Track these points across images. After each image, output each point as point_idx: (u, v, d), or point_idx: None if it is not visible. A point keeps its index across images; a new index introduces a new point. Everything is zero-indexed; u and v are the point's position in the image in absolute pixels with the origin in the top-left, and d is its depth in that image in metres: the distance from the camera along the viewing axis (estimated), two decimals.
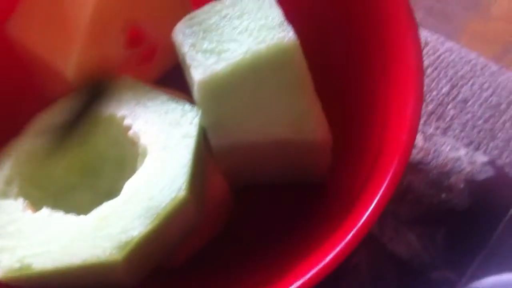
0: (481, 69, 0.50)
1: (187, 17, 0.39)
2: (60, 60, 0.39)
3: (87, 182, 0.38)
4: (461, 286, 0.40)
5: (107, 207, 0.33)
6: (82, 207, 0.35)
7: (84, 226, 0.33)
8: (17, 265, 0.32)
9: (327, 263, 0.33)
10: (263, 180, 0.41)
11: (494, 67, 0.50)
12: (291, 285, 0.33)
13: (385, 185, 0.34)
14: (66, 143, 0.38)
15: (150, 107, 0.37)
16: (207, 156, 0.38)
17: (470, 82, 0.49)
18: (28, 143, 0.38)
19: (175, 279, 0.39)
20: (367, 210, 0.34)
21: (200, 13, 0.38)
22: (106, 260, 0.31)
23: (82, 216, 0.34)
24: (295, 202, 0.42)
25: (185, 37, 0.38)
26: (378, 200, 0.34)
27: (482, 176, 0.44)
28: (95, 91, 0.38)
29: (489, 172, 0.44)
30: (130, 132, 0.36)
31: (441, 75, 0.49)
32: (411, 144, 0.35)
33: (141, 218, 0.32)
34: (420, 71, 0.36)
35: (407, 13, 0.37)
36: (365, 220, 0.34)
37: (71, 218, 0.34)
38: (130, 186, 0.34)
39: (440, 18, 0.53)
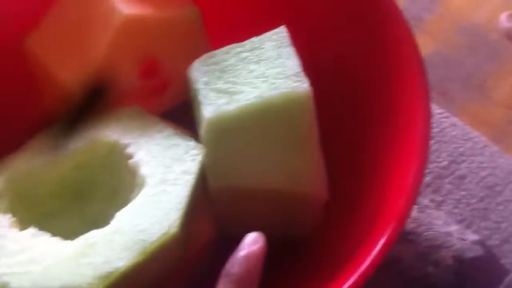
0: (482, 148, 0.50)
1: (206, 55, 0.39)
2: (71, 80, 0.39)
3: (77, 207, 0.38)
4: None
5: (95, 234, 0.33)
6: (69, 233, 0.34)
7: (69, 251, 0.32)
8: None
9: None
10: (252, 229, 0.40)
11: (494, 148, 0.50)
12: None
13: (375, 252, 0.34)
14: (61, 153, 0.37)
15: (155, 139, 0.37)
16: (201, 196, 0.37)
17: (469, 160, 0.50)
18: (24, 161, 0.37)
19: None
20: (353, 275, 0.34)
21: (219, 53, 0.39)
22: None
23: (68, 241, 0.33)
24: (279, 257, 0.41)
25: (201, 74, 0.38)
26: (365, 268, 0.34)
27: (470, 254, 0.44)
28: (91, 98, 0.38)
29: (478, 251, 0.44)
30: (131, 161, 0.36)
31: (442, 149, 0.50)
32: (407, 212, 0.35)
33: (128, 250, 0.31)
34: (426, 140, 0.36)
35: (422, 83, 0.38)
36: (353, 283, 0.33)
37: (57, 241, 0.33)
38: (122, 216, 0.33)
39: (442, 96, 0.54)
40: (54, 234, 0.34)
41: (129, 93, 0.41)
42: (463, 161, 0.50)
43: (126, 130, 0.37)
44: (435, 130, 0.50)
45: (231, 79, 0.37)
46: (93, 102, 0.38)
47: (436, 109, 0.51)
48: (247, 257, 0.29)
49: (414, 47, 0.39)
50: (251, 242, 0.30)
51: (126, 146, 0.37)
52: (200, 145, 0.36)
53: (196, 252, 0.36)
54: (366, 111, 0.41)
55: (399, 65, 0.40)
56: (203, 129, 0.36)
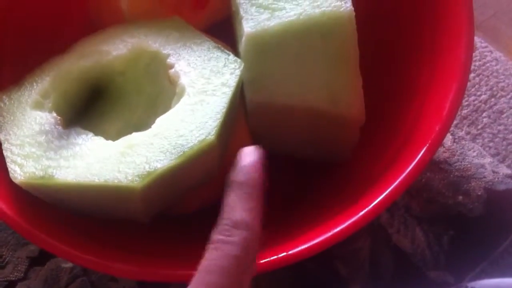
0: None
1: None
2: None
3: (120, 112, 0.39)
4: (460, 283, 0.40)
5: (136, 136, 0.34)
6: (111, 134, 0.36)
7: (111, 150, 0.33)
8: (40, 173, 0.33)
9: (332, 236, 0.33)
10: (287, 149, 0.41)
11: None
12: (294, 248, 0.33)
13: (407, 171, 0.35)
14: None
15: (196, 51, 0.37)
16: (239, 110, 0.38)
17: (510, 95, 0.49)
18: (70, 63, 0.38)
19: (184, 226, 0.40)
20: (383, 193, 0.34)
21: None
22: (126, 185, 0.32)
23: (110, 141, 0.34)
24: (314, 174, 0.42)
25: None
26: (395, 186, 0.34)
27: (502, 187, 0.44)
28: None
29: (509, 184, 0.44)
30: (171, 71, 0.37)
31: (482, 83, 0.49)
32: (442, 136, 0.35)
33: (167, 153, 0.33)
34: (467, 68, 0.36)
35: (467, 12, 0.37)
36: (377, 202, 0.34)
37: (100, 140, 0.35)
38: (162, 122, 0.34)
39: (488, 33, 0.52)
40: (98, 133, 0.35)
41: (171, 6, 0.41)
42: (503, 96, 0.49)
43: (168, 41, 0.38)
44: (477, 63, 0.50)
45: None
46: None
47: (480, 43, 0.50)
48: (247, 166, 0.31)
49: None
50: (249, 153, 0.31)
51: (167, 56, 0.37)
52: (239, 59, 0.37)
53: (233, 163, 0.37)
54: (408, 36, 0.41)
55: None
56: (243, 44, 0.37)
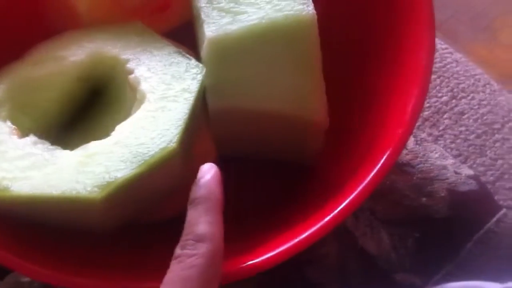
0: (483, 85, 0.50)
1: None
2: None
3: (78, 119, 0.38)
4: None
5: (95, 145, 0.33)
6: (69, 143, 0.35)
7: (69, 160, 0.32)
8: None
9: (298, 242, 0.33)
10: (252, 153, 0.41)
11: (495, 86, 0.50)
12: (261, 256, 0.33)
13: (372, 175, 0.35)
14: None
15: (156, 55, 0.37)
16: (201, 117, 0.37)
17: (470, 96, 0.50)
18: (26, 71, 0.37)
19: (154, 235, 0.39)
20: (348, 197, 0.34)
21: None
22: (85, 196, 0.31)
23: (68, 151, 0.33)
24: (281, 179, 0.42)
25: None
26: (360, 190, 0.34)
27: (464, 188, 0.45)
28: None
29: (472, 185, 0.45)
30: (131, 76, 0.36)
31: (442, 84, 0.50)
32: (405, 139, 0.35)
33: (128, 162, 0.32)
34: (428, 71, 0.36)
35: (428, 11, 0.37)
36: (343, 207, 0.34)
37: (58, 150, 0.34)
38: (122, 129, 0.34)
39: (448, 35, 0.53)
40: (54, 143, 0.34)
41: (131, 10, 0.40)
42: (463, 97, 0.50)
43: (127, 46, 0.37)
44: (437, 65, 0.50)
45: None
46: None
47: (440, 44, 0.51)
48: (207, 182, 0.32)
49: None
50: (207, 170, 0.32)
51: (127, 61, 0.37)
52: (201, 64, 0.36)
53: (197, 172, 0.37)
54: (370, 39, 0.41)
55: None
56: (204, 49, 0.36)
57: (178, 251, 0.29)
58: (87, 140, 0.35)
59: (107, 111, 0.38)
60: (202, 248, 0.29)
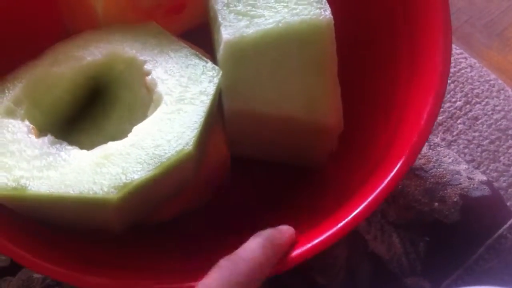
0: (498, 91, 0.50)
1: None
2: None
3: (95, 120, 0.38)
4: None
5: (112, 146, 0.33)
6: (86, 143, 0.35)
7: (86, 161, 0.33)
8: (12, 184, 0.32)
9: (309, 248, 0.33)
10: (265, 155, 0.41)
11: (510, 92, 0.50)
12: None
13: (386, 181, 0.34)
14: None
15: (173, 57, 0.37)
16: (216, 117, 0.37)
17: (484, 102, 0.49)
18: (43, 69, 0.37)
19: (159, 236, 0.39)
20: (362, 203, 0.34)
21: None
22: (101, 197, 0.31)
23: (85, 151, 0.34)
24: (292, 181, 0.42)
25: None
26: (374, 197, 0.34)
27: (477, 194, 0.45)
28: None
29: (484, 191, 0.45)
30: (148, 78, 0.36)
31: (457, 89, 0.50)
32: (420, 147, 0.35)
33: (144, 163, 0.32)
34: (444, 77, 0.36)
35: (445, 17, 0.37)
36: (357, 213, 0.34)
37: (74, 150, 0.34)
38: (139, 131, 0.34)
39: (462, 40, 0.53)
40: (72, 143, 0.34)
41: (147, 11, 0.40)
42: (478, 102, 0.49)
43: (144, 47, 0.37)
44: (452, 70, 0.50)
45: (251, 2, 0.37)
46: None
47: (455, 49, 0.51)
48: (285, 241, 0.33)
49: None
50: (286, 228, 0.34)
51: (144, 62, 0.37)
52: (217, 67, 0.36)
53: (210, 169, 0.37)
54: (387, 44, 0.41)
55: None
56: (221, 51, 0.36)
57: (221, 261, 0.30)
58: (95, 138, 0.35)
59: (123, 112, 0.38)
60: (246, 266, 0.29)
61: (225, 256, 0.30)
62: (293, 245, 0.33)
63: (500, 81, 0.50)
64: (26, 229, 0.34)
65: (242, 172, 0.40)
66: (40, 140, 0.34)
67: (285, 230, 0.33)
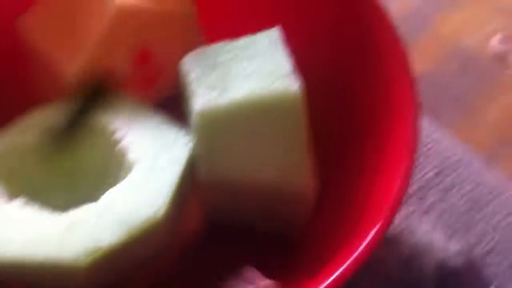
0: (468, 162, 0.51)
1: (198, 50, 0.40)
2: (64, 64, 0.39)
3: (66, 185, 0.38)
4: None
5: (82, 211, 0.33)
6: (57, 208, 0.34)
7: (55, 225, 0.32)
8: None
9: None
10: (240, 221, 0.41)
11: (480, 163, 0.51)
12: None
13: (357, 253, 0.34)
14: (54, 147, 0.38)
15: (145, 125, 0.37)
16: (190, 185, 0.37)
17: (455, 173, 0.50)
18: (15, 136, 0.37)
19: None
20: (333, 274, 0.34)
21: (212, 49, 0.39)
22: (69, 263, 0.30)
23: (55, 215, 0.33)
24: (266, 248, 0.41)
25: (193, 68, 0.38)
26: (345, 268, 0.34)
27: (452, 264, 0.44)
28: (91, 98, 0.38)
29: (460, 261, 0.44)
30: (119, 146, 0.36)
31: (428, 160, 0.50)
32: (392, 216, 0.35)
33: (114, 229, 0.32)
34: (414, 145, 0.37)
35: (412, 93, 0.39)
36: (329, 283, 0.33)
37: (43, 214, 0.33)
38: (110, 196, 0.34)
39: (430, 115, 0.54)
40: (45, 203, 0.34)
41: (121, 81, 0.41)
42: (449, 174, 0.50)
43: (116, 115, 0.38)
44: (422, 141, 0.51)
45: (222, 76, 0.38)
46: (94, 99, 0.38)
47: (425, 121, 0.52)
48: None
49: (406, 60, 0.40)
50: None
51: (115, 131, 0.37)
52: (189, 135, 0.36)
53: (184, 237, 0.36)
54: (357, 113, 0.42)
55: (391, 74, 0.41)
56: (193, 122, 0.37)
57: None
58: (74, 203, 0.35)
59: (94, 177, 0.38)
60: None
61: None
62: None
63: (470, 153, 0.51)
64: None
65: (217, 240, 0.40)
66: (10, 204, 0.34)
67: None
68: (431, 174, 0.50)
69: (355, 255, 0.34)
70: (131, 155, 0.35)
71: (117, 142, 0.36)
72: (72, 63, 0.39)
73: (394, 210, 0.36)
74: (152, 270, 0.36)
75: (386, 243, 0.45)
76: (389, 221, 0.35)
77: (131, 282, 0.36)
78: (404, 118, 0.39)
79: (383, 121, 0.40)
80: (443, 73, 0.59)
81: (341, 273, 0.34)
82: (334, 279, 0.33)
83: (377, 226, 0.35)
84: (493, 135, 0.55)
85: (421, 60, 0.58)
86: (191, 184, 0.37)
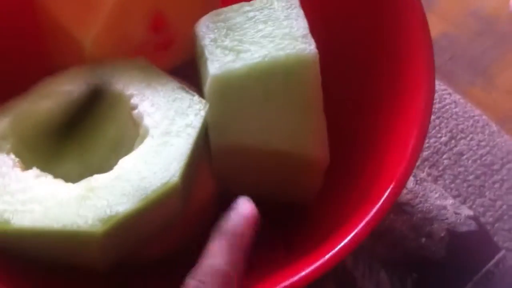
0: (482, 126, 0.50)
1: (214, 12, 0.39)
2: (81, 30, 0.39)
3: (81, 153, 0.38)
4: None
5: (97, 179, 0.33)
6: (72, 177, 0.35)
7: (71, 194, 0.32)
8: None
9: (295, 281, 0.33)
10: (252, 191, 0.41)
11: (494, 128, 0.51)
12: None
13: (372, 214, 0.34)
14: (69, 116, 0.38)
15: (160, 91, 0.37)
16: (203, 152, 0.37)
17: (469, 137, 0.50)
18: (30, 104, 0.37)
19: (144, 277, 0.39)
20: (347, 236, 0.34)
21: (227, 11, 0.39)
22: (86, 230, 0.31)
23: (70, 184, 0.33)
24: (279, 216, 0.42)
25: (208, 30, 0.38)
26: (360, 229, 0.34)
27: (463, 229, 0.45)
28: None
29: (471, 226, 0.45)
30: (135, 112, 0.36)
31: (442, 125, 0.50)
32: (404, 180, 0.35)
33: (130, 196, 0.32)
34: (427, 111, 0.36)
35: (428, 56, 0.38)
36: (342, 246, 0.34)
37: (59, 183, 0.33)
38: (124, 164, 0.34)
39: (446, 78, 0.54)
40: (57, 177, 0.34)
41: (136, 47, 0.41)
42: (462, 138, 0.50)
43: (131, 81, 0.38)
44: (437, 105, 0.51)
45: (238, 37, 0.37)
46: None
47: (439, 85, 0.52)
48: (241, 216, 0.30)
49: (423, 22, 0.39)
50: (245, 206, 0.31)
51: (131, 96, 0.37)
52: (204, 100, 0.36)
53: (197, 206, 0.37)
54: (371, 79, 0.42)
55: (407, 36, 0.40)
56: (207, 86, 0.36)
57: (189, 279, 0.28)
58: (82, 171, 0.35)
59: (109, 145, 0.38)
60: (215, 285, 0.27)
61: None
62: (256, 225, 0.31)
63: (484, 117, 0.51)
64: (5, 265, 0.34)
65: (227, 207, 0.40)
66: (25, 173, 0.34)
67: (245, 214, 0.31)
68: (445, 138, 0.50)
69: (367, 218, 0.34)
70: (146, 121, 0.35)
71: (133, 107, 0.36)
72: (88, 30, 0.39)
73: (407, 173, 0.35)
74: (165, 239, 0.36)
75: (398, 208, 0.45)
76: (401, 184, 0.35)
77: (144, 251, 0.36)
78: (419, 81, 0.38)
79: (398, 85, 0.40)
80: (459, 37, 0.58)
81: (354, 236, 0.34)
82: (347, 242, 0.33)
83: (389, 189, 0.35)
84: (507, 100, 0.55)
85: (440, 22, 0.58)
86: (205, 151, 0.37)
